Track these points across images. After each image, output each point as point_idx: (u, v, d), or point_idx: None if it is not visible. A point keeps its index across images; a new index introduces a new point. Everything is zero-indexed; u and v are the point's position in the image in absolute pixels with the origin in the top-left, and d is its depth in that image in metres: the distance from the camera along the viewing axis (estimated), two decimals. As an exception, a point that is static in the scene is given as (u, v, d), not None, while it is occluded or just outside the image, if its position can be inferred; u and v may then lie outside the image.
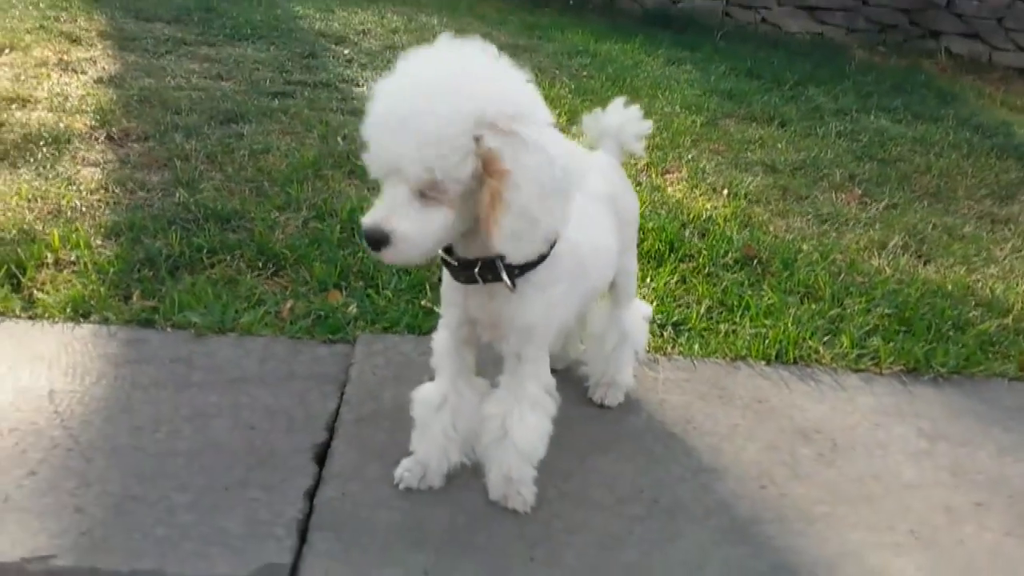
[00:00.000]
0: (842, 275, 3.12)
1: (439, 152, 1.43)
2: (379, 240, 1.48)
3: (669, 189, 3.82)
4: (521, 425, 1.78)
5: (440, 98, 1.44)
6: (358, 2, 6.83)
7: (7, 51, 4.69)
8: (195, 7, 6.07)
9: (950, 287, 3.11)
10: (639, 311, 2.31)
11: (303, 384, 2.24)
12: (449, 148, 1.43)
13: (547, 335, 1.78)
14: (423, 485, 1.89)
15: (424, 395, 1.90)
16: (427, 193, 1.48)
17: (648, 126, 2.19)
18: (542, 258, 1.65)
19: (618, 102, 2.20)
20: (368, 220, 1.49)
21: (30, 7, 5.60)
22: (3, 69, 4.40)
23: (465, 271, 1.66)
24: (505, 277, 1.63)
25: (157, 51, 5.04)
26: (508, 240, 1.49)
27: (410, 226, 1.48)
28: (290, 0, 6.64)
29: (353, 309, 2.63)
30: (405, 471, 1.91)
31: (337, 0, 6.82)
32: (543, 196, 1.47)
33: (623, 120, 2.17)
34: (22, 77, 4.30)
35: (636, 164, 4.04)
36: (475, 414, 1.85)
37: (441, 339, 1.87)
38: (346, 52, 5.50)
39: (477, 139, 1.45)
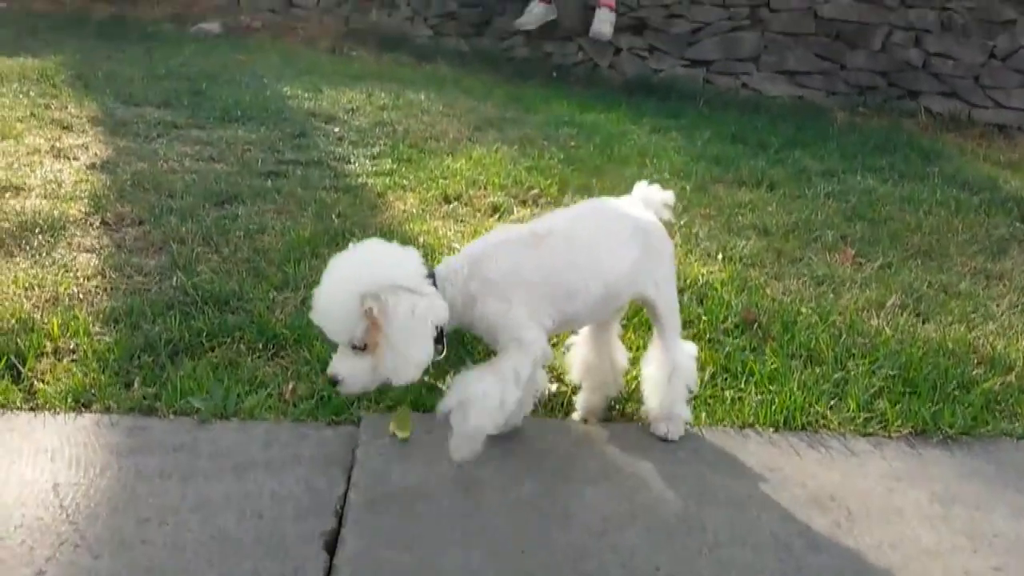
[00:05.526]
0: (843, 337, 3.13)
1: (341, 323, 2.05)
2: (333, 382, 2.11)
3: (664, 256, 3.84)
4: (475, 383, 2.17)
5: (336, 291, 2.06)
6: (345, 81, 6.92)
7: (-1, 140, 4.72)
8: (184, 91, 6.13)
9: (951, 345, 3.12)
10: (686, 349, 2.53)
11: (309, 468, 2.22)
12: (346, 319, 2.04)
13: (509, 332, 2.21)
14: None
15: None
16: (356, 345, 2.06)
17: (670, 195, 2.60)
18: None
19: (640, 184, 2.62)
20: (329, 369, 2.12)
21: (20, 95, 5.64)
22: (-4, 158, 4.42)
23: None
24: None
25: (148, 135, 5.08)
26: (390, 370, 2.07)
27: (348, 371, 2.09)
28: (279, 81, 6.72)
29: (356, 389, 2.61)
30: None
31: (325, 80, 6.91)
32: (404, 336, 2.04)
33: (649, 195, 2.58)
34: (15, 165, 4.32)
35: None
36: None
37: None
38: (336, 130, 5.55)
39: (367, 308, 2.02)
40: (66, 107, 5.49)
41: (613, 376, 2.61)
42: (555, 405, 2.67)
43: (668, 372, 2.47)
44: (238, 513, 2.01)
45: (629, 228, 2.41)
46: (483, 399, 2.14)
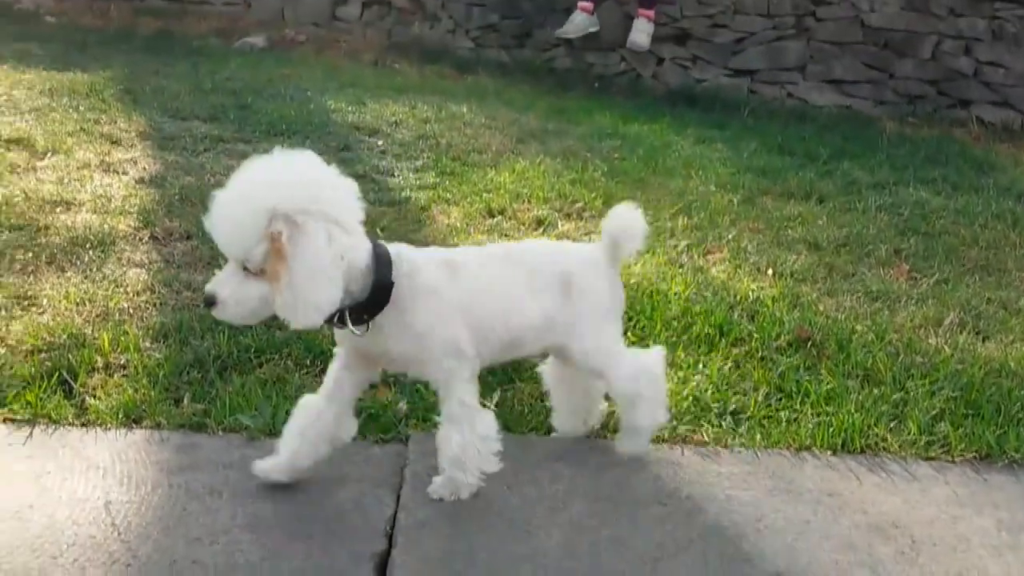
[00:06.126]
0: (900, 356, 3.04)
1: (236, 239, 1.80)
2: (208, 302, 1.87)
3: (712, 270, 3.78)
4: (447, 443, 2.12)
5: (242, 197, 1.80)
6: (388, 94, 6.93)
7: (50, 155, 4.76)
8: (230, 105, 6.17)
9: (1013, 365, 3.03)
10: (630, 367, 2.30)
11: (358, 488, 2.20)
12: (245, 235, 1.78)
13: (438, 361, 2.07)
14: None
15: (305, 403, 2.19)
16: (249, 268, 1.82)
17: (641, 229, 2.29)
18: (378, 304, 1.96)
19: (620, 207, 2.31)
20: (207, 286, 1.88)
21: (70, 111, 5.70)
22: (47, 172, 4.47)
23: (328, 320, 1.94)
24: (349, 323, 1.97)
25: (195, 149, 5.11)
26: (285, 309, 1.82)
27: (230, 293, 1.85)
28: (323, 94, 6.75)
29: (403, 406, 2.60)
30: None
31: (368, 93, 6.92)
32: (312, 275, 1.78)
33: (619, 223, 2.28)
34: (65, 180, 4.37)
35: (677, 246, 4.01)
36: (327, 425, 2.16)
37: (332, 364, 2.20)
38: (380, 144, 5.55)
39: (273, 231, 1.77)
40: (115, 121, 5.54)
41: (590, 400, 2.51)
42: (604, 423, 2.62)
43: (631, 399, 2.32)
44: (288, 533, 1.99)
45: (544, 276, 2.22)
46: (464, 452, 2.11)
